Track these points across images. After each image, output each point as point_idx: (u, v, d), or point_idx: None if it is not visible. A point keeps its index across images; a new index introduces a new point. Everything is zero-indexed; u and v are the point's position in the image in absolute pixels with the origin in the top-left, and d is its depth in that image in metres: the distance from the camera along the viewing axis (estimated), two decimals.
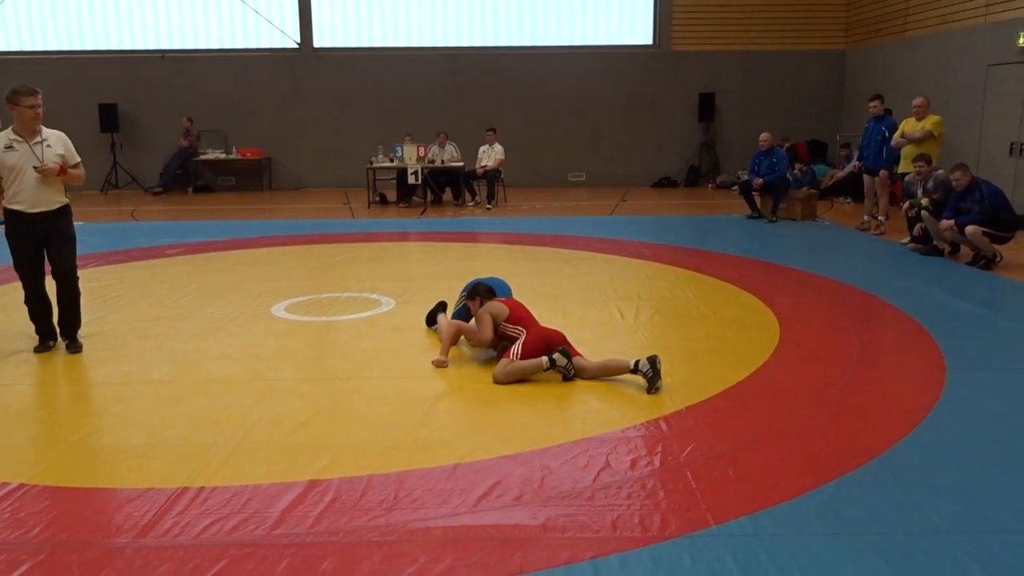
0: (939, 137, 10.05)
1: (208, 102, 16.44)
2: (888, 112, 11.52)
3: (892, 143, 10.53)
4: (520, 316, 5.47)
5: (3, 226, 5.55)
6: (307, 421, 4.42)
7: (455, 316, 5.94)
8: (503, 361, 5.14)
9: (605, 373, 5.14)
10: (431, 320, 6.30)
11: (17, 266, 5.58)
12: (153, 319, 6.56)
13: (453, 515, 3.37)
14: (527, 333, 5.28)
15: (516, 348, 5.17)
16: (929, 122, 9.96)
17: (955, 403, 4.59)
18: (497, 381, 5.04)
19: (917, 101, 10.20)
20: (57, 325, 5.75)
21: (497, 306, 5.50)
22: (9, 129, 5.39)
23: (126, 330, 6.26)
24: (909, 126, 10.20)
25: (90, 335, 6.06)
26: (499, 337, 5.44)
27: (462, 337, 5.69)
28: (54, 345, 5.74)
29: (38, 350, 5.65)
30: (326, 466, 3.84)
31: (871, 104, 10.98)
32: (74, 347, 5.69)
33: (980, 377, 5.02)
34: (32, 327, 5.76)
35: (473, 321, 5.67)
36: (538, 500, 3.50)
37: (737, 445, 4.05)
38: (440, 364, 5.37)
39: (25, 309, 5.74)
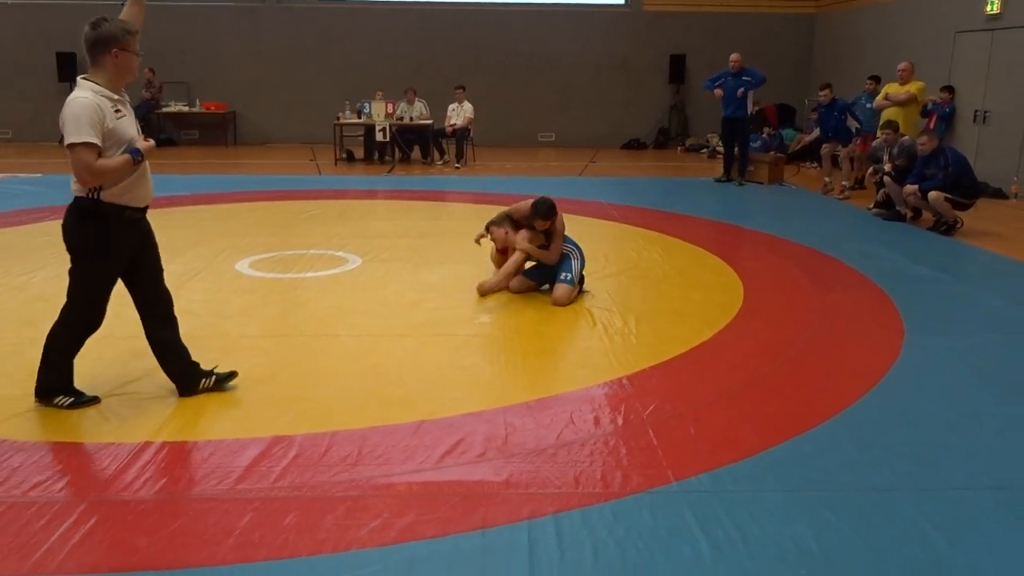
0: (921, 103, 10.25)
1: (171, 53, 16.04)
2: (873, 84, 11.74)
3: (874, 105, 10.78)
4: None
5: (96, 239, 3.75)
6: (271, 378, 4.40)
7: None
8: (567, 288, 5.78)
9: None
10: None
11: (102, 292, 3.86)
12: None
13: (417, 471, 3.39)
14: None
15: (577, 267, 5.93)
16: (914, 86, 10.15)
17: (912, 366, 4.69)
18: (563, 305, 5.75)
19: (902, 65, 10.39)
20: (179, 370, 4.14)
21: (563, 220, 6.08)
22: (94, 84, 3.64)
23: None
24: (893, 89, 10.38)
25: (50, 290, 5.96)
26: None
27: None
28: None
29: (82, 403, 4.00)
30: (290, 422, 3.84)
31: (821, 93, 11.21)
32: (227, 378, 4.23)
33: (937, 341, 5.12)
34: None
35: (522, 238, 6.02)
36: (502, 456, 3.53)
37: (698, 404, 4.11)
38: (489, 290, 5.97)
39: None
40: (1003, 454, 3.62)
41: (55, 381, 3.98)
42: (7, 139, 16.22)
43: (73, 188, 3.71)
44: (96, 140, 3.53)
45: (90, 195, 3.67)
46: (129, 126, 3.72)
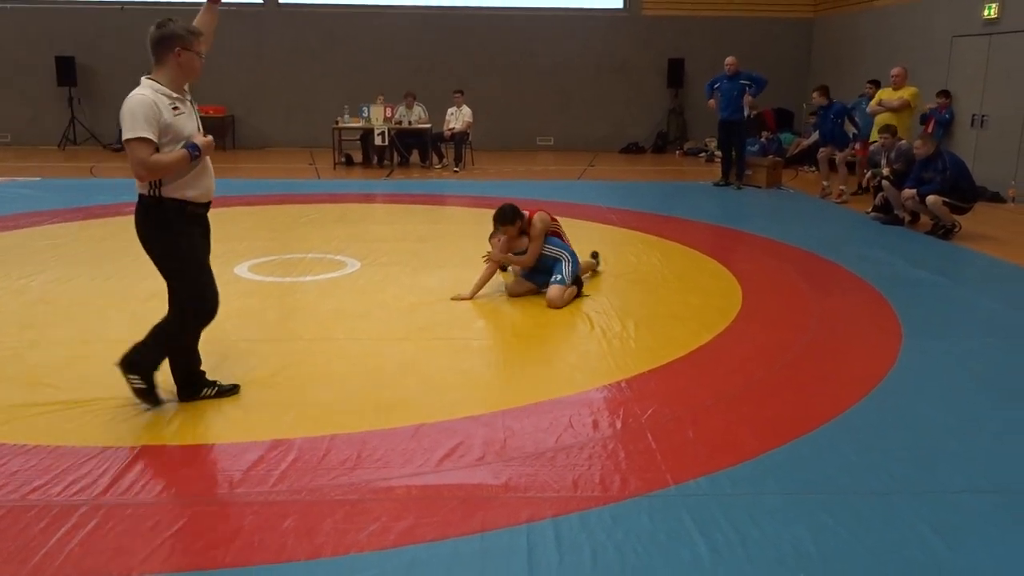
0: (915, 108, 10.25)
1: None
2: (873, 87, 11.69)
3: (868, 110, 10.79)
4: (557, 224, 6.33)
5: (162, 231, 3.82)
6: (270, 381, 4.40)
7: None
8: (559, 288, 5.81)
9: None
10: None
11: (194, 274, 3.91)
12: (113, 277, 6.46)
13: (416, 475, 3.39)
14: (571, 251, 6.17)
15: (568, 270, 5.95)
16: (907, 92, 10.16)
17: (910, 369, 4.70)
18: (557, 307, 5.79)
19: (895, 71, 10.38)
20: (186, 374, 4.15)
21: (542, 217, 6.12)
22: (154, 83, 3.71)
23: (86, 288, 6.16)
24: (886, 95, 10.38)
25: (50, 294, 5.97)
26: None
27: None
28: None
29: (149, 396, 3.99)
30: (289, 426, 3.84)
31: (814, 93, 11.21)
32: (229, 391, 4.22)
33: (935, 344, 5.13)
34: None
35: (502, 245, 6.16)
36: (500, 460, 3.53)
37: (697, 408, 4.11)
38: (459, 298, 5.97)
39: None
40: (1001, 458, 3.63)
41: (146, 361, 3.96)
42: (6, 143, 16.21)
43: (136, 186, 3.75)
44: (151, 135, 3.58)
45: (151, 192, 3.72)
46: (187, 123, 3.75)
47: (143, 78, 3.74)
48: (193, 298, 3.93)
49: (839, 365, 4.77)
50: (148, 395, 3.99)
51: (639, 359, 4.81)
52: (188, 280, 3.91)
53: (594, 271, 6.76)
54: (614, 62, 16.76)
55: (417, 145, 14.38)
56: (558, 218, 6.54)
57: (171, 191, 3.73)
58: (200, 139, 3.77)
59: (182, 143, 3.69)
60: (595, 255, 6.90)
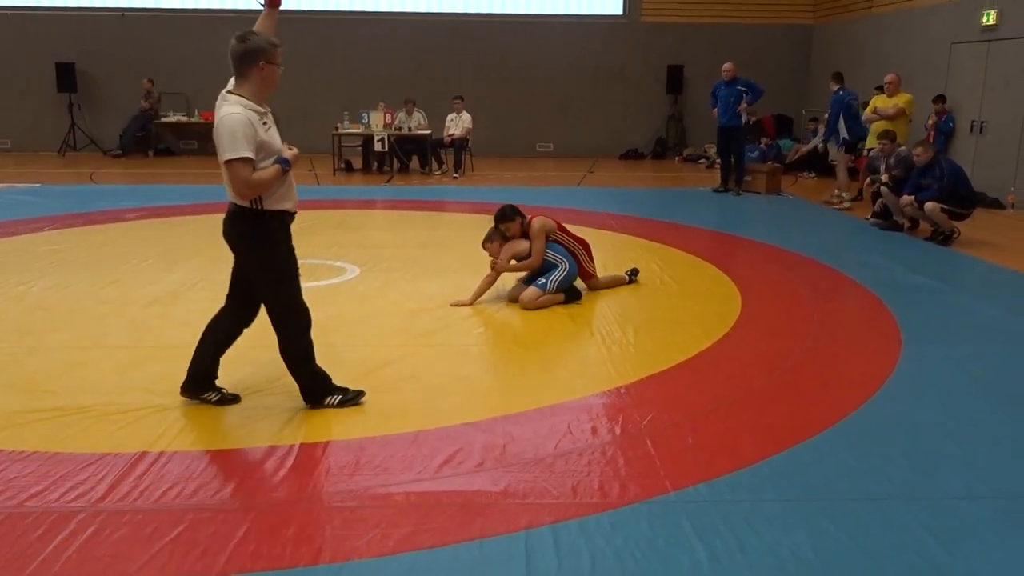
0: (909, 115, 10.23)
1: (170, 63, 16.09)
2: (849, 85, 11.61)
3: (863, 118, 10.70)
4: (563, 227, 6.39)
5: (263, 243, 3.80)
6: (267, 388, 4.39)
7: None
8: (534, 291, 5.89)
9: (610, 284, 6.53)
10: None
11: (293, 287, 3.91)
12: (112, 283, 6.46)
13: (415, 481, 3.39)
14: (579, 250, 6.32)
15: (557, 277, 5.97)
16: (901, 99, 10.13)
17: (909, 375, 4.69)
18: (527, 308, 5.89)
19: (889, 78, 10.34)
20: (203, 370, 4.14)
21: (541, 219, 6.17)
22: (241, 98, 3.69)
23: (85, 294, 6.16)
24: (881, 102, 10.35)
25: (49, 300, 5.97)
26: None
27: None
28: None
29: (349, 400, 4.15)
30: (287, 432, 3.83)
31: (831, 82, 11.18)
32: (231, 400, 4.19)
33: (934, 350, 5.13)
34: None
35: (507, 247, 6.16)
36: (500, 466, 3.52)
37: (696, 414, 4.11)
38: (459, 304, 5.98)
39: None
40: (1000, 463, 3.63)
41: (319, 384, 4.09)
42: (6, 149, 16.24)
43: (232, 198, 3.74)
44: (251, 154, 3.57)
45: (253, 205, 3.71)
46: (276, 137, 3.75)
47: (226, 93, 3.70)
48: (287, 309, 3.92)
49: (839, 371, 4.77)
50: (349, 399, 4.13)
51: (639, 365, 4.80)
52: (283, 290, 3.89)
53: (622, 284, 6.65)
54: (613, 68, 16.79)
55: (417, 151, 14.39)
56: (581, 233, 6.63)
57: (272, 204, 3.73)
58: (288, 153, 3.78)
59: (273, 158, 3.69)
60: (634, 272, 6.76)
